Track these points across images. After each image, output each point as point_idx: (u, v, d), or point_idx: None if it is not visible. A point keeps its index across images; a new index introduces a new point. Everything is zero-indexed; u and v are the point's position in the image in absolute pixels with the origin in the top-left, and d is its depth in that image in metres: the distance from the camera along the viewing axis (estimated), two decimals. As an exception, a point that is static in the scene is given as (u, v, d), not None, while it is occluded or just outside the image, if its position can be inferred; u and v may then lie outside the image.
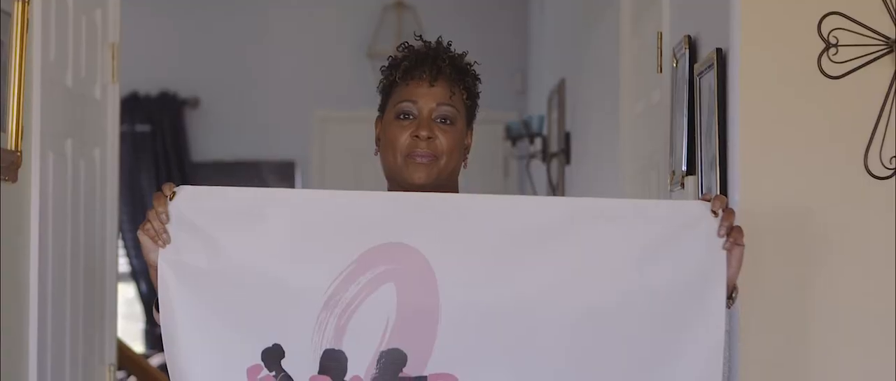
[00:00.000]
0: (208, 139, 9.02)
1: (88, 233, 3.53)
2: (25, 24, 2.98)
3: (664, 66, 3.68)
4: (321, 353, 2.45)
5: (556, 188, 6.64)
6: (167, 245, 2.45)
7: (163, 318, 2.46)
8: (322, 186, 8.70)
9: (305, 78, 9.02)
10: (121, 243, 8.41)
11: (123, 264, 8.62)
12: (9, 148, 2.92)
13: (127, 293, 8.81)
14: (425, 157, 2.63)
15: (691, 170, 3.23)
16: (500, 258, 2.48)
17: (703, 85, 3.10)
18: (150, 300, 8.34)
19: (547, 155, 6.92)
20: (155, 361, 6.86)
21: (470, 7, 8.89)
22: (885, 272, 2.81)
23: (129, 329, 8.81)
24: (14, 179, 2.94)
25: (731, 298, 2.50)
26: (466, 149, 2.74)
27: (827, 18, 2.81)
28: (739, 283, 2.53)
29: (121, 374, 6.30)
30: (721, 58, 2.92)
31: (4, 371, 2.88)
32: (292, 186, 8.84)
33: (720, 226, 2.46)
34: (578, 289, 2.47)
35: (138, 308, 9.02)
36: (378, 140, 2.73)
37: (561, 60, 6.97)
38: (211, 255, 2.45)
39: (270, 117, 9.03)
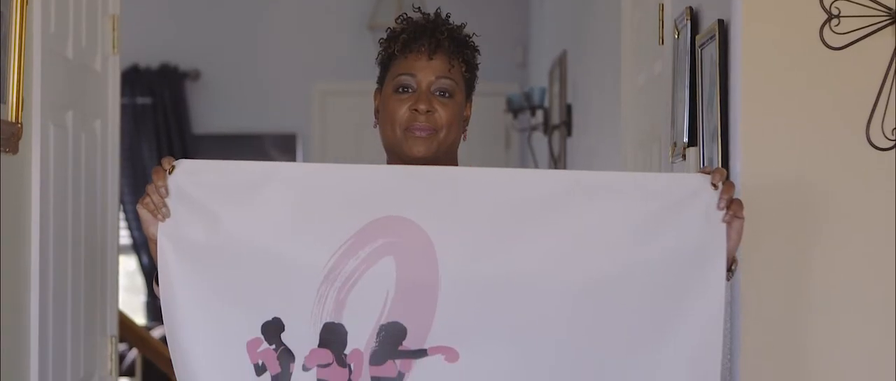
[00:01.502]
0: (209, 112, 9.01)
1: (89, 205, 3.53)
2: (25, -4, 2.98)
3: (666, 37, 3.67)
4: (321, 326, 2.45)
5: (557, 161, 6.63)
6: (166, 219, 2.45)
7: (162, 291, 2.46)
8: (323, 158, 8.70)
9: (306, 50, 9.01)
10: (122, 215, 8.41)
11: (125, 237, 8.62)
12: (9, 120, 2.91)
13: (128, 266, 8.82)
14: (424, 130, 2.63)
15: (693, 141, 3.23)
16: (499, 231, 2.47)
17: (704, 57, 3.09)
18: (150, 273, 8.34)
19: (548, 127, 6.91)
20: (156, 333, 6.87)
21: (471, -21, 8.87)
22: (886, 244, 2.81)
23: (131, 302, 8.83)
24: (15, 150, 2.93)
25: (730, 270, 2.50)
26: (466, 121, 2.73)
27: (829, -11, 2.80)
28: (739, 255, 2.53)
29: (122, 346, 6.31)
30: (723, 29, 2.91)
31: (6, 344, 2.89)
32: (293, 158, 8.84)
33: (720, 199, 2.46)
34: (578, 262, 2.47)
35: (140, 281, 9.03)
36: (377, 112, 2.73)
37: (562, 32, 6.96)
38: (210, 228, 2.45)
39: (271, 90, 9.02)
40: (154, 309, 8.64)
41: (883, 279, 2.80)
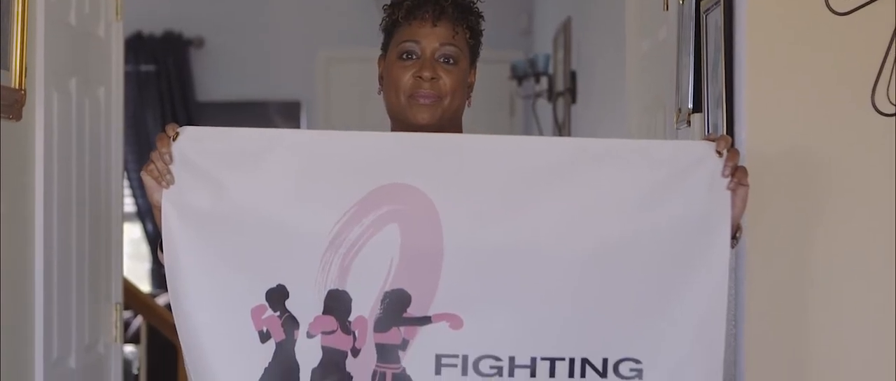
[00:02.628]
0: (213, 79, 9.00)
1: (93, 172, 3.53)
2: (28, -38, 2.97)
3: (670, 3, 3.66)
4: (325, 293, 2.45)
5: (561, 128, 6.63)
6: (171, 186, 2.45)
7: (167, 259, 2.46)
8: (327, 125, 8.68)
9: (310, 17, 8.99)
10: (126, 182, 8.41)
11: (129, 204, 8.63)
12: (12, 86, 2.91)
13: (133, 233, 8.83)
14: (429, 97, 2.62)
15: (697, 108, 3.22)
16: (504, 199, 2.47)
17: (709, 22, 3.08)
18: (155, 240, 8.36)
19: (553, 94, 6.90)
20: (161, 300, 6.88)
21: (476, -55, 8.82)
22: (890, 209, 2.81)
23: (136, 269, 8.84)
24: (18, 117, 2.93)
25: (735, 237, 2.50)
26: (470, 88, 2.73)
27: (834, -47, 2.79)
28: (744, 222, 2.53)
29: (127, 313, 6.32)
30: (728, -6, 2.91)
31: (11, 311, 2.89)
32: (297, 126, 8.83)
33: (724, 166, 2.45)
34: (584, 229, 2.47)
35: (144, 248, 9.04)
36: (381, 79, 2.72)
37: (567, -1, 6.94)
38: (214, 195, 2.45)
39: (275, 57, 9.01)
40: (159, 276, 8.66)
41: (887, 245, 2.80)
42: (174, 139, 2.45)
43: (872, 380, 2.83)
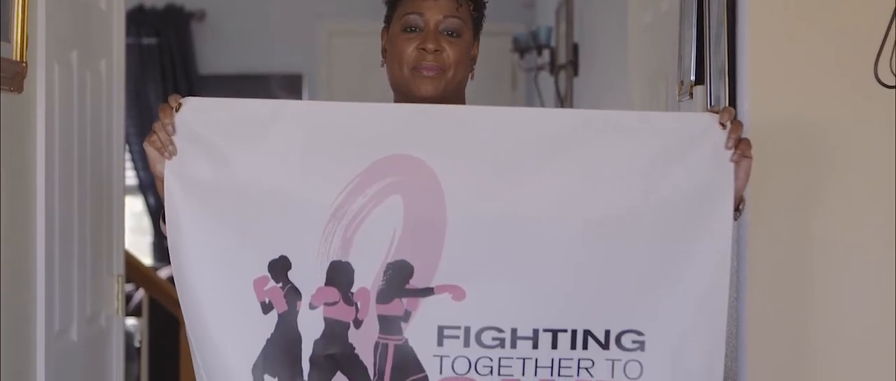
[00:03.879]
0: (215, 52, 8.99)
1: (95, 145, 3.52)
2: (29, -66, 2.96)
3: (672, -25, 3.66)
4: (328, 264, 2.45)
5: (564, 100, 6.62)
6: (173, 157, 2.45)
7: (169, 230, 2.46)
8: (329, 98, 8.67)
9: (313, -10, 8.97)
10: (128, 155, 8.41)
11: (131, 178, 8.63)
12: (13, 58, 2.91)
13: (135, 207, 8.83)
14: (432, 70, 2.62)
15: (700, 80, 3.22)
16: (507, 170, 2.47)
17: (711, -6, 3.08)
18: (157, 213, 8.36)
19: (555, 67, 6.89)
20: (163, 273, 6.89)
21: (478, -83, 8.79)
22: (891, 180, 2.80)
23: (138, 242, 8.85)
24: (20, 89, 2.93)
25: (738, 209, 2.51)
26: (473, 60, 2.72)
27: (838, -77, 2.79)
28: (747, 195, 2.53)
29: (129, 286, 6.33)
30: (730, -34, 2.90)
31: (13, 283, 2.89)
32: (299, 99, 8.82)
33: (728, 138, 2.45)
34: (587, 201, 2.47)
35: (146, 222, 9.04)
36: (384, 52, 2.72)
37: (569, -29, 6.92)
38: (217, 166, 2.45)
39: (277, 30, 8.99)
40: (161, 250, 8.66)
41: (888, 215, 2.81)
42: (177, 110, 2.45)
43: (874, 351, 2.83)
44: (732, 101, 2.88)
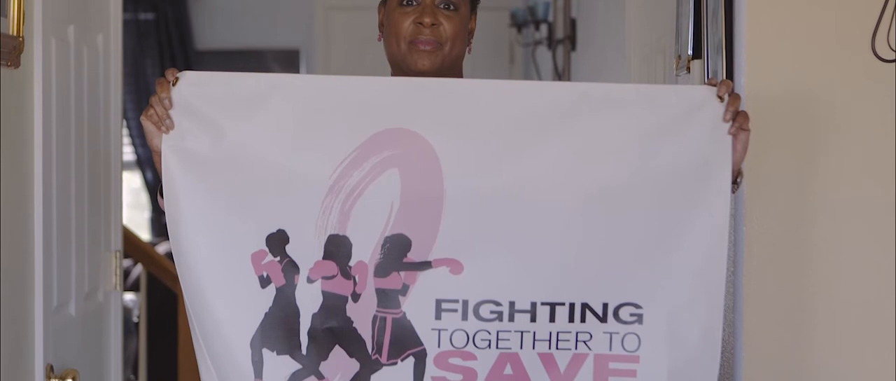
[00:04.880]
0: (212, 27, 8.97)
1: (92, 120, 3.52)
2: None
3: (670, -51, 3.65)
4: (325, 238, 2.46)
5: (561, 75, 6.61)
6: (170, 131, 2.45)
7: (167, 204, 2.46)
8: (326, 73, 8.65)
9: (310, -36, 8.95)
10: (125, 131, 8.40)
11: (128, 153, 8.62)
12: (10, 33, 2.90)
13: (133, 182, 8.82)
14: (429, 44, 2.62)
15: (697, 54, 3.22)
16: (504, 144, 2.47)
17: (709, -32, 3.07)
18: (155, 188, 8.36)
19: (552, 42, 6.88)
20: (161, 249, 6.89)
21: None
22: (889, 155, 2.81)
23: (135, 218, 8.84)
24: (16, 64, 2.92)
25: (736, 182, 2.51)
26: (470, 34, 2.72)
27: None
28: (744, 167, 2.53)
29: (127, 262, 6.33)
30: (727, -61, 2.89)
31: (11, 258, 2.89)
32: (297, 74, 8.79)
33: (726, 111, 2.46)
34: (585, 174, 2.47)
35: (144, 197, 9.03)
36: (381, 26, 2.72)
37: (567, -55, 6.91)
38: (214, 140, 2.45)
39: (274, 5, 8.96)
40: (159, 225, 8.66)
41: (886, 188, 2.81)
42: (174, 84, 2.45)
43: (872, 322, 2.84)
44: (730, 74, 2.88)
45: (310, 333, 2.48)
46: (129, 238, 5.15)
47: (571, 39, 6.33)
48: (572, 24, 6.34)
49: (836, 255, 2.84)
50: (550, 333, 2.49)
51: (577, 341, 2.50)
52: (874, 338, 2.84)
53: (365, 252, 2.46)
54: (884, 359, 2.84)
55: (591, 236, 2.48)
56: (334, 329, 2.48)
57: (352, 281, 2.46)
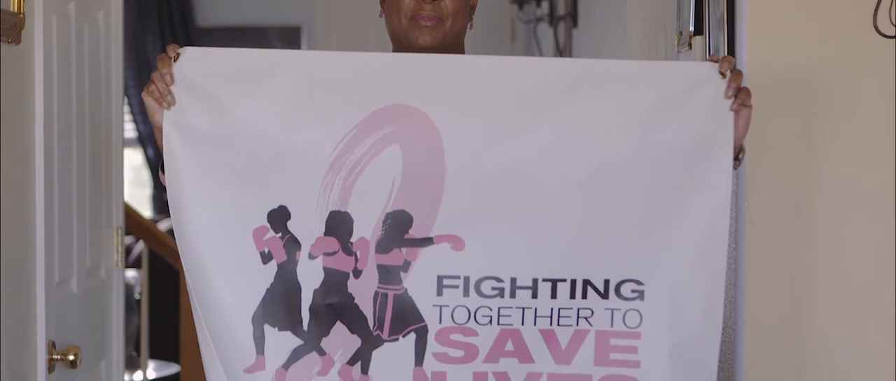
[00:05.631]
0: (213, 4, 8.95)
1: (93, 96, 3.51)
2: None
3: (672, -76, 3.64)
4: (327, 215, 2.46)
5: (563, 52, 6.60)
6: (172, 107, 2.45)
7: (168, 180, 2.46)
8: (328, 50, 8.63)
9: (311, -60, 8.92)
10: (127, 108, 8.39)
11: (130, 130, 8.62)
12: (11, 10, 2.90)
13: (134, 160, 8.82)
14: (430, 20, 2.61)
15: (699, 30, 3.21)
16: (506, 120, 2.47)
17: (711, -57, 3.06)
18: (156, 164, 8.36)
19: (554, 18, 6.87)
20: (163, 226, 6.89)
21: None
22: (890, 129, 2.80)
23: (137, 195, 8.84)
24: (17, 41, 2.92)
25: (737, 159, 2.51)
26: (472, 10, 2.71)
27: None
28: (746, 143, 2.53)
29: (129, 239, 6.33)
30: (729, -86, 2.89)
31: (13, 236, 2.89)
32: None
33: (728, 87, 2.45)
34: (586, 150, 2.47)
35: (146, 175, 9.03)
36: (383, 2, 2.71)
37: (568, -79, 6.89)
38: (215, 117, 2.45)
39: (275, -19, 8.95)
40: (160, 202, 8.66)
41: (887, 163, 2.81)
42: (175, 60, 2.45)
43: (873, 297, 2.84)
44: (732, 50, 2.87)
45: (311, 309, 2.48)
46: (130, 215, 5.15)
47: (573, 16, 6.33)
48: (574, 1, 6.33)
49: (837, 230, 2.84)
50: (552, 309, 2.49)
51: (578, 317, 2.50)
52: (875, 312, 2.85)
53: (366, 228, 2.46)
54: (884, 333, 2.84)
55: (593, 213, 2.48)
56: (336, 305, 2.48)
57: (353, 257, 2.46)
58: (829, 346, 2.87)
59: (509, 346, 2.50)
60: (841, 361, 2.88)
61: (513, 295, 2.47)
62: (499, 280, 2.47)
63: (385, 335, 2.49)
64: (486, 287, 2.47)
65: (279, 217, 2.45)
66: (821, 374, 2.88)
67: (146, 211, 8.71)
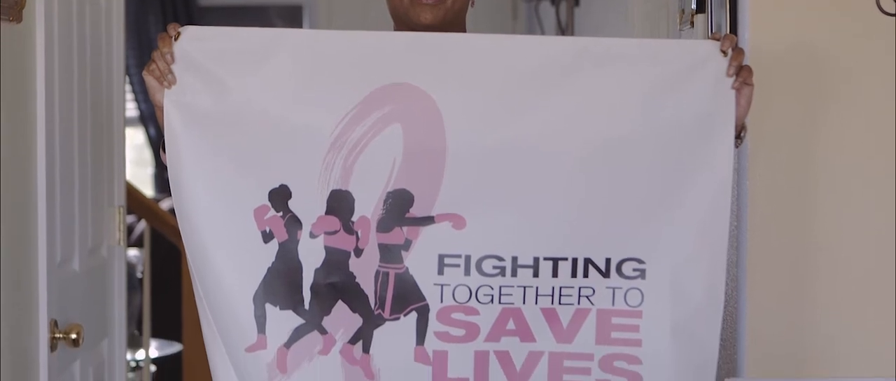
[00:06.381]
0: (215, -17, 8.94)
1: (95, 75, 3.51)
2: None
3: None
4: (328, 193, 2.46)
5: (564, 30, 6.59)
6: (173, 86, 2.45)
7: (169, 159, 2.46)
8: (329, 29, 8.61)
9: (313, -82, 8.91)
10: (128, 87, 8.38)
11: (131, 109, 8.61)
12: (12, -11, 2.89)
13: (136, 139, 8.82)
14: (432, -3, 2.61)
15: (701, 8, 3.20)
16: (507, 98, 2.47)
17: (713, -79, 3.05)
18: (158, 143, 8.35)
19: (556, -3, 6.86)
20: (165, 205, 6.89)
21: None
22: (892, 107, 2.80)
23: (139, 174, 8.85)
24: (18, 19, 2.91)
25: (739, 137, 2.50)
26: (473, -12, 2.71)
27: None
28: (748, 122, 2.53)
29: (131, 218, 6.33)
30: None
31: (14, 214, 2.89)
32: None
33: (729, 66, 2.45)
34: (587, 128, 2.46)
35: (147, 154, 9.03)
36: (384, -20, 2.71)
37: None
38: (217, 95, 2.44)
39: (277, -40, 8.93)
40: (162, 181, 8.66)
41: (888, 142, 2.81)
42: (176, 39, 2.44)
43: (874, 274, 2.84)
44: (733, 28, 2.87)
45: (312, 288, 2.48)
46: (132, 194, 5.15)
47: (575, -6, 6.32)
48: (576, -21, 6.32)
49: (838, 208, 2.84)
50: (553, 288, 2.49)
51: (579, 296, 2.50)
52: (876, 290, 2.85)
53: (367, 207, 2.46)
54: (885, 311, 2.85)
55: (594, 192, 2.47)
56: (337, 284, 2.48)
57: (354, 236, 2.46)
58: (830, 322, 2.88)
59: (511, 325, 2.50)
60: (841, 338, 2.88)
61: (514, 274, 2.47)
62: (500, 259, 2.47)
63: (386, 314, 2.49)
64: (488, 266, 2.47)
65: (280, 196, 2.45)
66: (822, 352, 2.88)
67: (148, 190, 8.71)
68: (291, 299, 2.47)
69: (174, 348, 6.07)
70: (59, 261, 3.19)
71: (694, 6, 3.24)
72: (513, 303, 2.49)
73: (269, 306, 2.47)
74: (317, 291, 2.48)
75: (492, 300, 2.48)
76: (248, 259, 2.47)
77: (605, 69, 2.48)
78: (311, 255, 2.47)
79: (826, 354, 2.88)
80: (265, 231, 2.46)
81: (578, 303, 2.50)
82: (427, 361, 2.50)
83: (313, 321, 2.49)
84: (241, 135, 2.44)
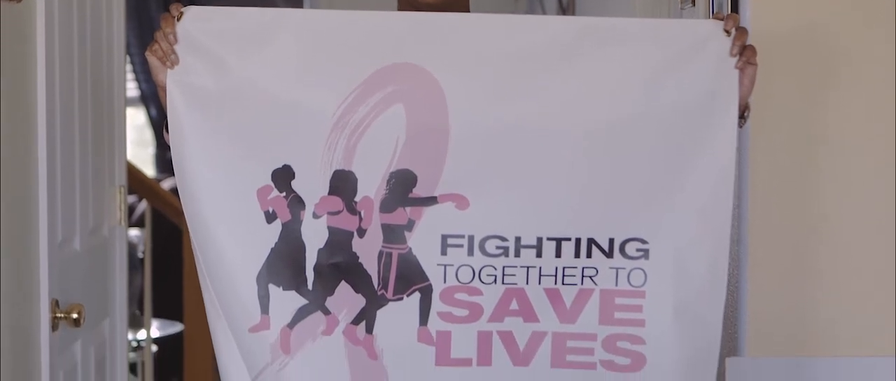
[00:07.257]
0: (216, -37, 8.92)
1: (96, 55, 3.50)
2: None
3: None
4: (331, 174, 2.45)
5: (566, 10, 6.58)
6: (175, 66, 2.44)
7: (172, 139, 2.45)
8: (332, 8, 8.60)
9: None
10: (129, 67, 8.38)
11: (132, 89, 8.61)
12: (12, -31, 2.89)
13: (137, 119, 8.82)
14: (434, -23, 2.61)
15: (703, -12, 3.20)
16: (510, 78, 2.46)
17: None
18: (160, 124, 8.35)
19: (557, -24, 6.85)
20: (166, 185, 6.89)
21: None
22: (894, 89, 2.80)
23: (140, 155, 8.85)
24: (19, -1, 2.91)
25: (742, 117, 2.50)
26: (476, -32, 2.71)
27: None
28: (751, 102, 2.52)
29: (132, 198, 6.34)
30: None
31: (15, 194, 2.89)
32: (301, 8, 8.75)
33: (733, 45, 2.44)
34: (590, 108, 2.46)
35: (149, 134, 9.03)
36: (386, -40, 2.70)
37: None
38: (219, 76, 2.44)
39: (278, -61, 8.92)
40: (163, 162, 8.67)
41: (890, 123, 2.80)
42: (178, 19, 2.44)
43: (875, 255, 2.84)
44: (736, 8, 2.86)
45: (316, 268, 2.48)
46: (133, 174, 5.15)
47: (576, -26, 6.30)
48: (577, -41, 6.30)
49: (840, 188, 2.84)
50: (556, 268, 2.49)
51: (582, 276, 2.50)
52: (877, 271, 2.85)
53: (370, 187, 2.46)
54: (885, 291, 2.85)
55: (597, 171, 2.47)
56: (340, 265, 2.48)
57: (357, 216, 2.46)
58: (831, 303, 2.88)
59: (514, 305, 2.50)
60: (842, 318, 2.89)
61: (517, 254, 2.47)
62: (503, 239, 2.47)
63: (389, 295, 2.49)
64: (491, 246, 2.47)
65: (283, 176, 2.45)
66: (823, 331, 2.89)
67: (149, 170, 8.72)
68: (295, 280, 2.47)
69: (175, 328, 6.08)
70: (61, 241, 3.19)
71: (696, -15, 3.24)
72: (516, 283, 2.49)
73: (272, 287, 2.47)
74: (320, 271, 2.47)
75: (495, 281, 2.48)
76: (251, 239, 2.46)
77: (607, 50, 2.47)
78: (315, 235, 2.47)
79: (827, 333, 2.89)
80: (268, 212, 2.45)
81: (582, 283, 2.50)
82: (430, 341, 2.50)
83: (317, 302, 2.49)
84: (244, 115, 2.44)
